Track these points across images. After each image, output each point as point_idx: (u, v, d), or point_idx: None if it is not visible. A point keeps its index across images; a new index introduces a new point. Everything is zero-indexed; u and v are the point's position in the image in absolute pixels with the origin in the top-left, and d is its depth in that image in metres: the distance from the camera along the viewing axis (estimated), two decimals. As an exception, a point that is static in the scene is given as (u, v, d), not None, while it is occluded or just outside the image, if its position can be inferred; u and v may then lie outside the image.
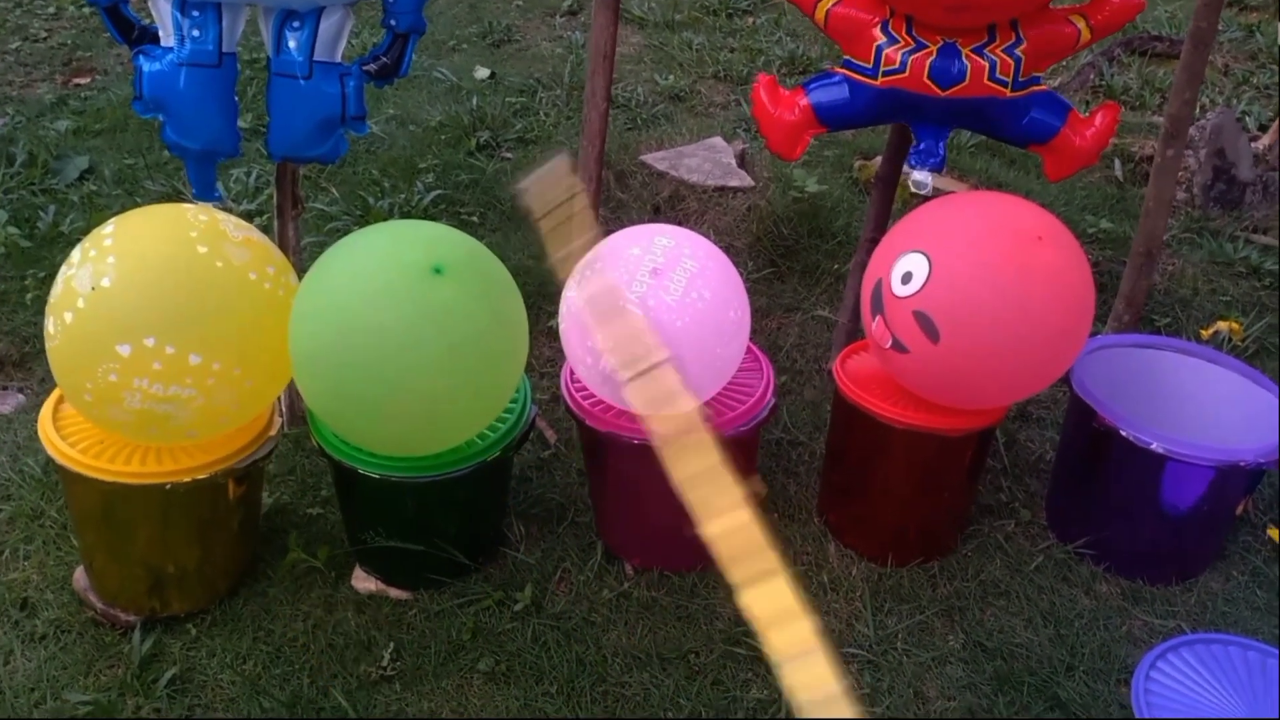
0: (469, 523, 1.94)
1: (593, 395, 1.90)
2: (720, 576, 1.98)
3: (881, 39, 1.96)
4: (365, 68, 2.11)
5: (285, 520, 2.13)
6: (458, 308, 1.60)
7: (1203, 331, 2.73)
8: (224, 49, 2.06)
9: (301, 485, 2.21)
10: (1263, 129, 3.78)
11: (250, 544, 2.02)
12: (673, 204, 3.04)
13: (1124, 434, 1.90)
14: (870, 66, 1.97)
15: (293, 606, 1.93)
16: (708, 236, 2.93)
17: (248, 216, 3.10)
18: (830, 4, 1.98)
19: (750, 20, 4.80)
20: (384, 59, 2.11)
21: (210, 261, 1.65)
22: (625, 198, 3.07)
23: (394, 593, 1.96)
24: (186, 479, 1.78)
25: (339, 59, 2.10)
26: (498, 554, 2.02)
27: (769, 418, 1.93)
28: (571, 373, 1.95)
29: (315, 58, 2.06)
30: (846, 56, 2.04)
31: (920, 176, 2.07)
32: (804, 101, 2.05)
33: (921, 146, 2.05)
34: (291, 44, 2.05)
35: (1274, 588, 2.01)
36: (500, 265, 1.76)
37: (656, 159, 3.19)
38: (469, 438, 1.79)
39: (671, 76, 4.14)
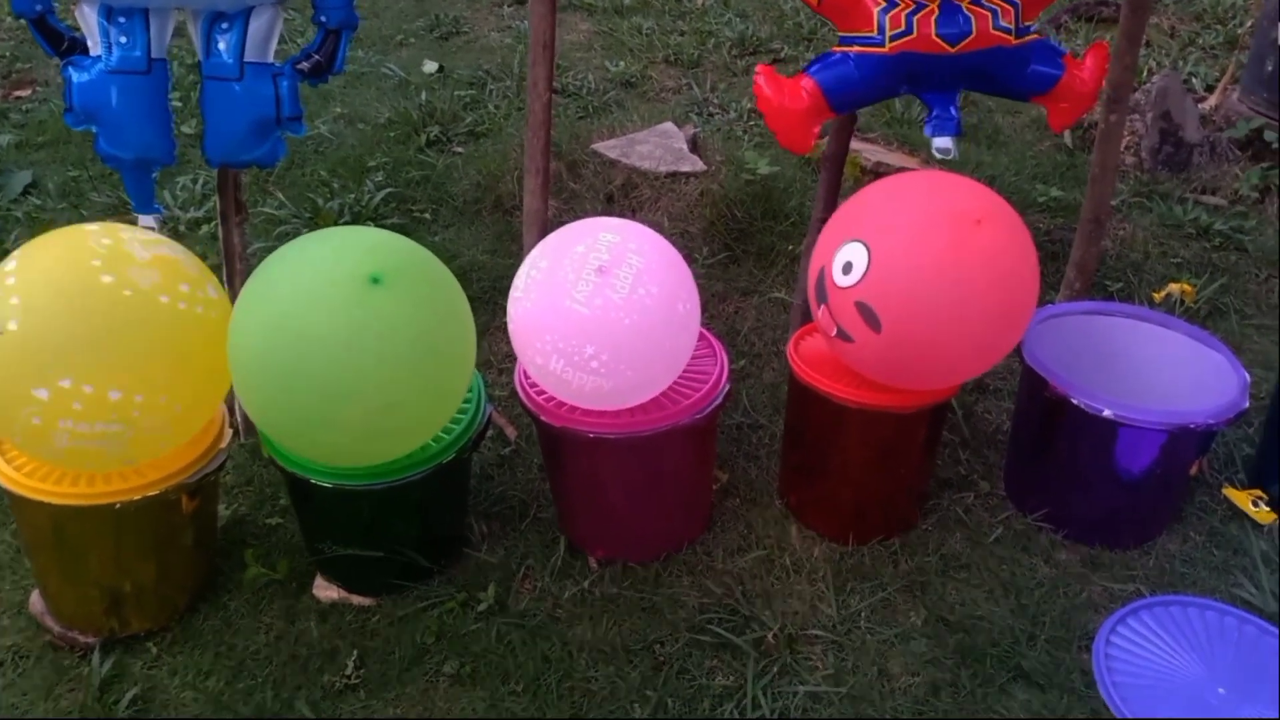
0: (429, 526, 1.93)
1: (547, 392, 1.89)
2: (682, 566, 2.00)
3: (882, 3, 1.94)
4: (298, 66, 2.07)
5: (244, 531, 2.11)
6: (397, 316, 1.58)
7: (1155, 294, 2.76)
8: (153, 55, 2.02)
9: (259, 495, 2.19)
10: (1209, 90, 3.81)
11: (208, 558, 1.99)
12: (625, 192, 3.02)
13: (1075, 402, 1.91)
14: (876, 35, 1.95)
15: (254, 619, 1.91)
16: (661, 223, 2.94)
17: (195, 224, 3.06)
18: None
19: (699, 2, 4.78)
20: (316, 56, 2.08)
21: (117, 291, 1.60)
22: (578, 188, 3.05)
23: (356, 600, 1.94)
24: (137, 497, 1.76)
25: (271, 59, 2.07)
26: (460, 555, 2.01)
27: (724, 404, 1.93)
28: (525, 371, 1.93)
29: (246, 59, 2.03)
30: (844, 33, 2.00)
31: (943, 143, 2.06)
32: (809, 85, 2.01)
33: (935, 114, 2.04)
34: (221, 46, 2.02)
35: (1231, 546, 2.03)
36: (443, 269, 1.74)
37: (608, 147, 3.17)
38: (421, 444, 1.77)
39: (622, 63, 4.12)
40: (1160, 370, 2.13)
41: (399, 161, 3.36)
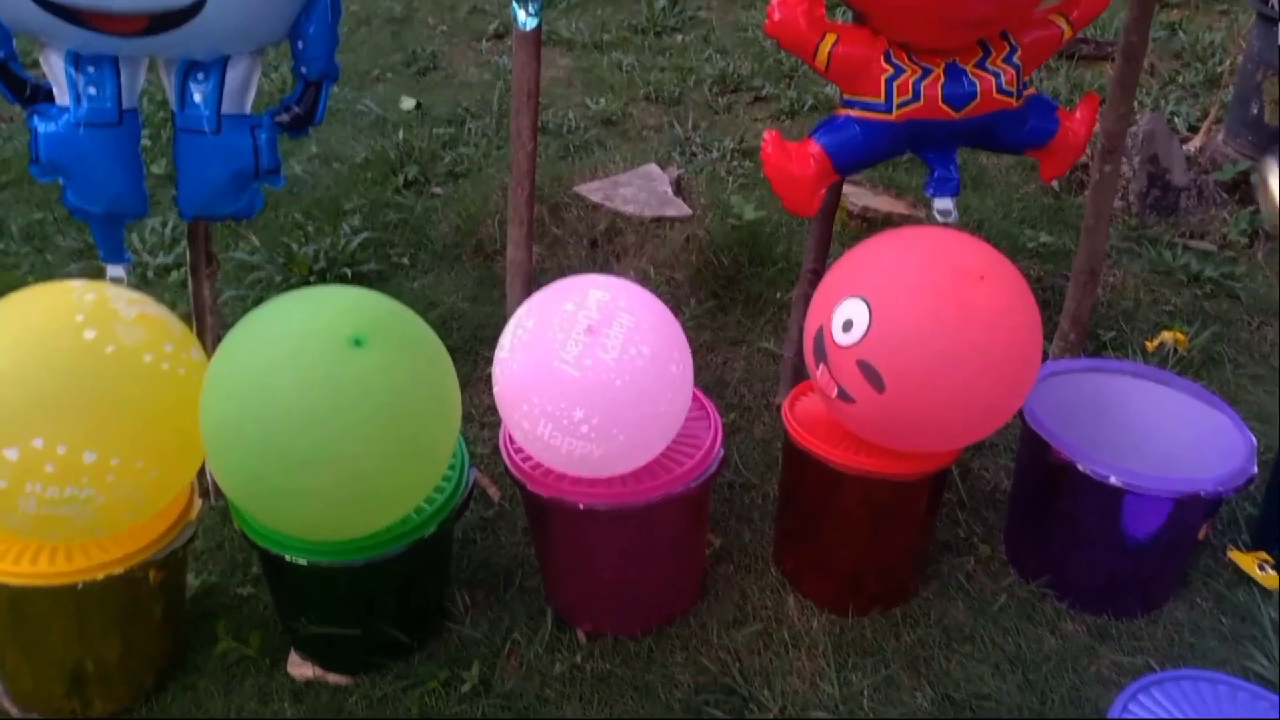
0: (409, 602, 1.84)
1: (533, 458, 1.81)
2: (675, 640, 1.92)
3: (889, 70, 1.90)
4: (277, 119, 2.00)
5: (215, 603, 2.01)
6: (380, 381, 1.50)
7: (1148, 343, 2.72)
8: (124, 105, 1.93)
9: (230, 562, 2.09)
10: (1192, 129, 3.81)
11: (177, 632, 1.89)
12: (609, 238, 2.96)
13: (1080, 467, 1.85)
14: (882, 102, 1.92)
15: (225, 699, 1.81)
16: (647, 271, 2.87)
17: (164, 270, 2.97)
18: (830, 45, 1.90)
19: (679, 38, 4.74)
20: (296, 109, 2.01)
21: (99, 347, 1.52)
22: (560, 233, 2.98)
23: (333, 678, 1.84)
24: (100, 576, 1.66)
25: (248, 110, 1.99)
26: (442, 629, 1.92)
27: (719, 471, 1.85)
28: (510, 435, 1.85)
29: (223, 110, 1.94)
30: (849, 96, 1.97)
31: (943, 204, 2.04)
32: (816, 151, 1.98)
33: (936, 175, 2.03)
34: (196, 97, 1.94)
35: (1238, 614, 1.98)
36: (425, 328, 1.66)
37: (591, 190, 3.11)
38: (402, 516, 1.68)
39: (602, 100, 4.06)
40: (1161, 429, 2.08)
41: (376, 203, 3.28)
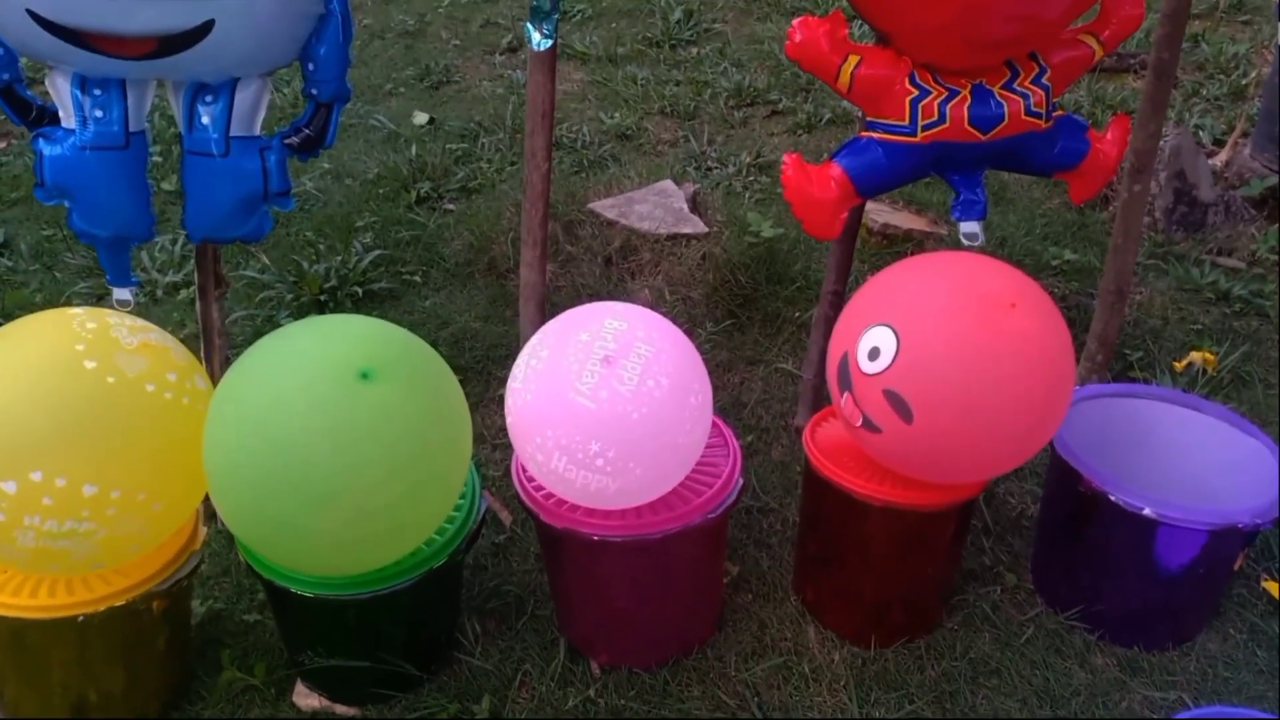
0: (418, 633, 1.79)
1: (545, 488, 1.76)
2: (692, 673, 1.87)
3: (914, 92, 1.85)
4: (287, 141, 1.96)
5: (220, 629, 1.97)
6: (390, 414, 1.45)
7: (1176, 364, 2.65)
8: (130, 128, 1.90)
9: (237, 588, 2.05)
10: (1217, 143, 3.74)
11: (182, 661, 1.85)
12: (624, 255, 2.91)
13: (1113, 498, 1.79)
14: (907, 124, 1.86)
15: (230, 733, 1.77)
16: (662, 289, 2.82)
17: (174, 289, 2.94)
18: (853, 67, 1.85)
19: (694, 51, 4.70)
20: (307, 131, 1.97)
21: (100, 377, 1.49)
22: (574, 250, 2.93)
23: (340, 709, 1.80)
24: (102, 608, 1.62)
25: (258, 132, 1.95)
26: (452, 660, 1.87)
27: (738, 500, 1.80)
28: (524, 465, 1.81)
29: (232, 133, 1.91)
30: (872, 118, 1.92)
31: (970, 228, 1.99)
32: (838, 174, 1.93)
33: (962, 198, 1.97)
34: (205, 119, 1.90)
35: (1272, 645, 1.91)
36: (436, 358, 1.62)
37: (605, 207, 3.07)
38: (412, 549, 1.63)
39: (617, 114, 4.02)
40: (1194, 455, 2.02)
41: (388, 220, 3.24)
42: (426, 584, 1.69)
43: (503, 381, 2.40)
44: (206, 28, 1.72)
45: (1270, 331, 2.80)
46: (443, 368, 1.61)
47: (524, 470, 1.79)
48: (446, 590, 1.83)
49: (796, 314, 2.73)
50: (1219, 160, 3.48)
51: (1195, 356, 2.67)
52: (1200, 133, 3.79)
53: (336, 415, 1.44)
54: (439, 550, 1.70)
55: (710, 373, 1.76)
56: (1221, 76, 4.32)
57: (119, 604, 1.63)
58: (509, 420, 1.70)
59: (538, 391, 1.64)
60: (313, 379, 1.46)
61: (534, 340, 1.72)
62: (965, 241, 1.99)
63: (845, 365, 1.69)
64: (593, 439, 1.59)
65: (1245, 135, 3.55)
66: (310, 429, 1.43)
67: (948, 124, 1.85)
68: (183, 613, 1.85)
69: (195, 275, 2.19)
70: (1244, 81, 4.21)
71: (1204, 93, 4.21)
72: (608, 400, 1.58)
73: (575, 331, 1.67)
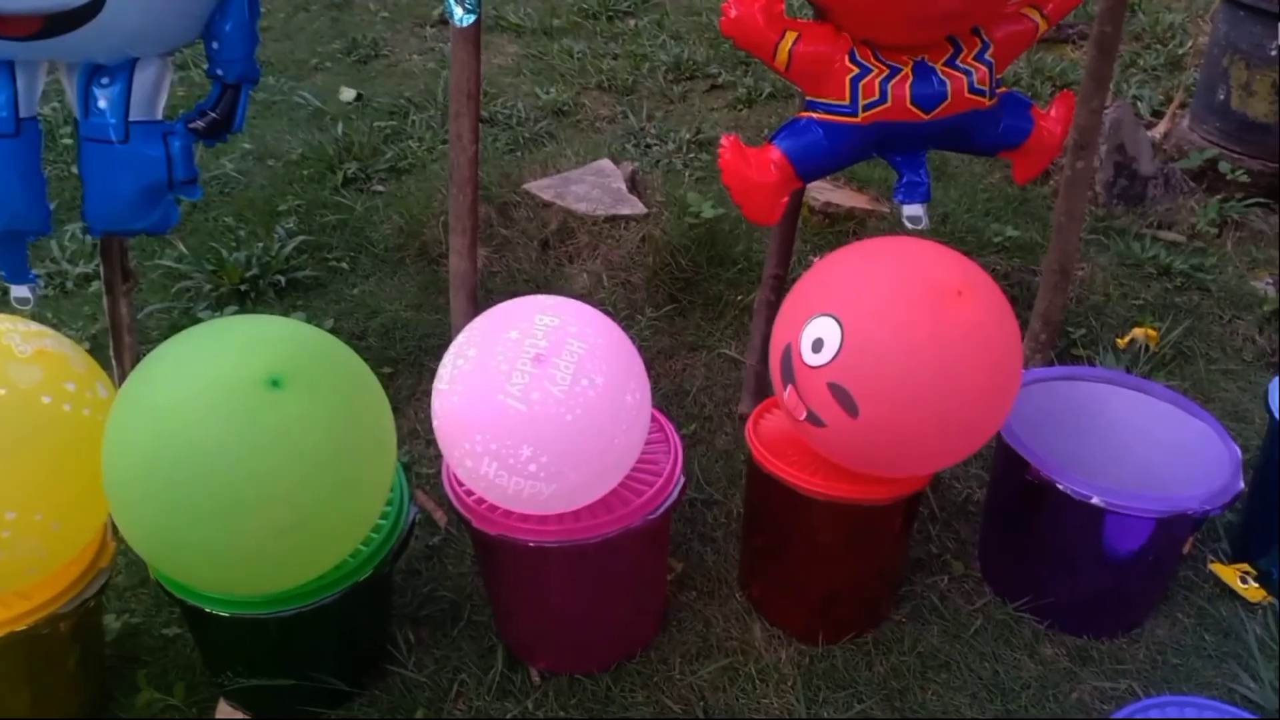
0: (347, 647, 1.70)
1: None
2: (636, 678, 1.81)
3: (854, 70, 1.77)
4: (191, 125, 1.84)
5: (137, 644, 1.87)
6: (302, 424, 1.36)
7: (1119, 340, 2.63)
8: (21, 114, 1.77)
9: (155, 600, 1.94)
10: (1156, 114, 3.73)
11: (96, 681, 1.75)
12: (561, 238, 2.81)
13: (1061, 487, 1.76)
14: (847, 104, 1.78)
15: (148, 757, 1.67)
16: (600, 274, 2.73)
17: (85, 280, 2.79)
18: (791, 44, 1.75)
19: (632, 23, 4.59)
20: (213, 114, 1.85)
21: (-10, 392, 1.38)
22: (509, 234, 2.83)
23: (266, 729, 1.71)
24: (1, 634, 1.51)
25: (159, 116, 1.83)
26: (384, 672, 1.79)
27: (680, 499, 1.73)
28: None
29: (131, 117, 1.78)
30: (812, 98, 1.84)
31: (913, 211, 1.91)
32: (777, 157, 1.84)
33: (905, 180, 1.89)
34: (102, 103, 1.78)
35: (1220, 630, 1.90)
36: (354, 359, 1.52)
37: (541, 188, 2.96)
38: (333, 566, 1.54)
39: (553, 89, 3.91)
40: (1142, 438, 1.99)
41: (313, 203, 3.11)
42: (353, 597, 1.60)
43: (434, 372, 2.31)
44: (96, 5, 1.59)
45: (1211, 305, 2.79)
46: (362, 370, 1.51)
47: (455, 475, 1.70)
48: (375, 602, 1.74)
49: (739, 297, 2.66)
50: (1157, 132, 3.47)
51: (1138, 333, 2.65)
52: (1138, 104, 3.78)
53: (244, 427, 1.33)
54: (364, 562, 1.61)
55: (651, 360, 1.68)
56: (1158, 46, 4.32)
57: (20, 629, 1.52)
58: (435, 424, 1.61)
59: (465, 393, 1.55)
60: (218, 388, 1.35)
61: (460, 339, 1.63)
62: (909, 225, 1.93)
63: (788, 357, 1.63)
64: (524, 443, 1.50)
65: (1183, 106, 3.55)
66: (216, 443, 1.33)
67: (889, 103, 1.78)
68: (94, 631, 1.74)
69: (101, 270, 2.07)
70: (1180, 51, 4.21)
71: (1141, 63, 4.21)
72: (539, 402, 1.50)
73: (504, 329, 1.58)
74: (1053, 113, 1.96)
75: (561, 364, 1.52)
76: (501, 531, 1.63)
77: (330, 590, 1.57)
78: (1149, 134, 3.34)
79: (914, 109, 1.80)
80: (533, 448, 1.50)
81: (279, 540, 1.38)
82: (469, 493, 1.68)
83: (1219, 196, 3.16)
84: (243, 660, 1.65)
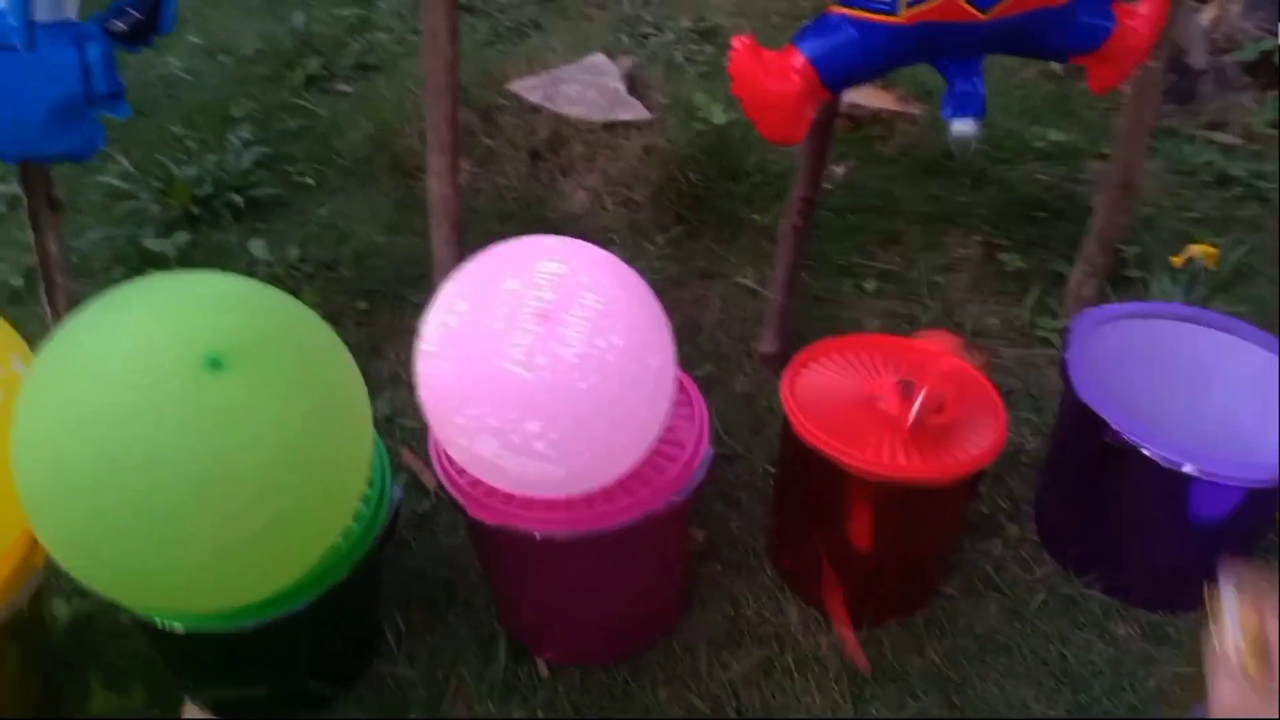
0: (324, 649, 1.47)
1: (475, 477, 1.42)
2: (657, 670, 1.60)
3: None
4: (109, 27, 1.52)
5: (93, 635, 1.63)
6: (251, 414, 1.09)
7: (1174, 260, 2.38)
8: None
9: (108, 582, 1.70)
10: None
11: (43, 680, 1.52)
12: (553, 148, 2.50)
13: (1145, 452, 1.52)
14: (888, 1, 1.47)
15: (103, 770, 1.45)
16: (598, 190, 2.43)
17: (14, 202, 2.46)
18: None
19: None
20: (135, 14, 1.53)
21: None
22: (494, 144, 2.51)
23: (237, 738, 1.49)
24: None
25: (73, 17, 1.51)
26: (371, 666, 1.57)
27: (709, 476, 1.48)
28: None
29: (37, 18, 1.46)
30: None
31: (962, 126, 1.59)
32: (800, 63, 1.53)
33: (957, 90, 1.57)
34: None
35: (1307, 598, 1.70)
36: (313, 324, 1.24)
37: (528, 88, 2.63)
38: (300, 574, 1.28)
39: (535, -30, 3.51)
40: (1221, 383, 1.76)
41: (271, 107, 2.76)
42: (330, 601, 1.36)
43: (418, 308, 2.02)
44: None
45: (1270, 217, 2.53)
46: (324, 338, 1.24)
47: (447, 454, 1.45)
48: (358, 598, 1.50)
49: (755, 216, 2.37)
50: (1205, 20, 3.15)
51: (1195, 250, 2.40)
52: (1181, -14, 3.44)
53: (177, 419, 1.06)
54: (342, 560, 1.36)
55: (658, 290, 1.40)
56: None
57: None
58: (421, 394, 1.35)
59: (457, 358, 1.29)
60: (146, 373, 1.08)
61: (448, 289, 1.35)
62: (954, 143, 1.63)
63: None
64: (530, 418, 1.25)
65: (1234, -10, 3.21)
66: (144, 440, 1.06)
67: (938, 1, 1.47)
68: (37, 628, 1.51)
69: (23, 200, 1.76)
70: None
71: (1180, -61, 3.84)
72: (547, 368, 1.24)
73: (501, 278, 1.30)
74: (1142, 10, 1.65)
75: (572, 321, 1.26)
76: (503, 521, 1.39)
77: (301, 597, 1.33)
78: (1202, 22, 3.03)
79: (969, 7, 1.48)
80: (540, 422, 1.25)
81: (227, 554, 1.13)
82: (462, 472, 1.43)
83: (1277, 93, 2.86)
84: (205, 677, 1.42)
